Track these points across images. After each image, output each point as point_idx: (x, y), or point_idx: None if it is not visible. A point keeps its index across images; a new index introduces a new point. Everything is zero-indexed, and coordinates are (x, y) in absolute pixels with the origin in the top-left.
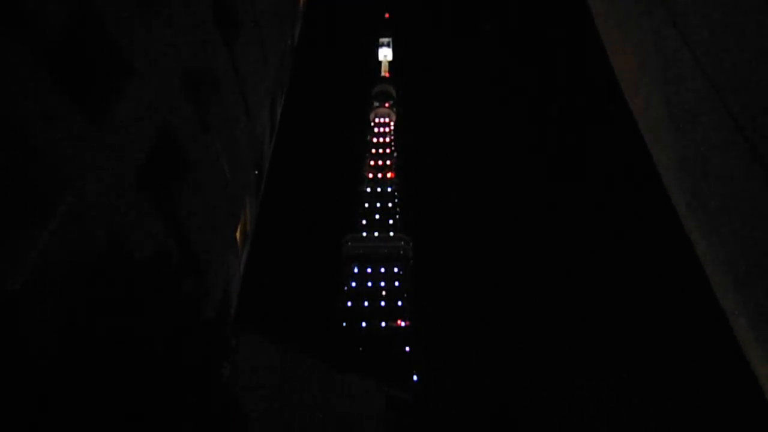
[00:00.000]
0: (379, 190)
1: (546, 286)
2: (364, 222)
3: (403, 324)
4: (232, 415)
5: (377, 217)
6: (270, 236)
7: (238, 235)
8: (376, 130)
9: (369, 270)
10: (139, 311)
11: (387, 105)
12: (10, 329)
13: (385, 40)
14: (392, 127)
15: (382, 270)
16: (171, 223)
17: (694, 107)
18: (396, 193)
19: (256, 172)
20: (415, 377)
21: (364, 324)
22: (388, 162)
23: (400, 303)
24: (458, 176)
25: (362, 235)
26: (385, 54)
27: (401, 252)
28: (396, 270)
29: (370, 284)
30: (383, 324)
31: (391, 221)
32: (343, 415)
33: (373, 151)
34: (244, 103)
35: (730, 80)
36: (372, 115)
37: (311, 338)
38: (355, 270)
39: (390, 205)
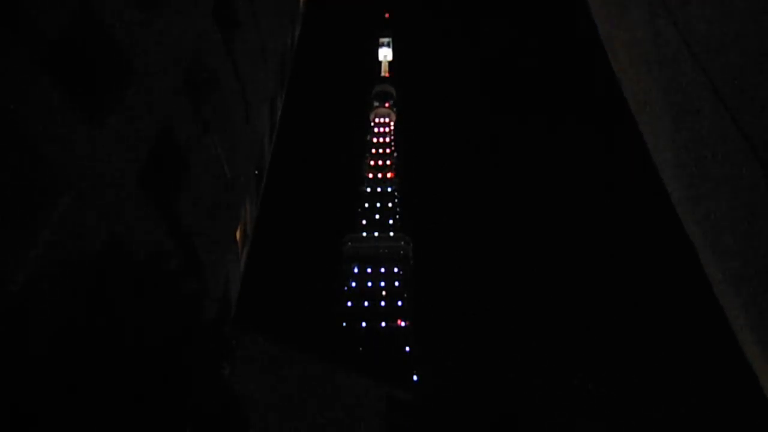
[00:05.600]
0: (379, 190)
1: (547, 286)
2: (364, 222)
3: (403, 324)
4: (232, 415)
5: (377, 217)
6: (270, 236)
7: (238, 235)
8: (376, 130)
9: (369, 270)
10: (138, 311)
11: (387, 105)
12: (10, 329)
13: (385, 40)
14: (392, 127)
15: (382, 270)
16: (171, 223)
17: (694, 107)
18: (396, 193)
19: (256, 172)
20: (415, 377)
21: (364, 324)
22: (388, 162)
23: (400, 303)
24: (458, 176)
25: (362, 235)
26: (385, 54)
27: (401, 252)
28: (396, 270)
29: (370, 284)
30: (383, 324)
31: (391, 221)
32: (343, 415)
33: (373, 151)
34: (244, 103)
35: (730, 80)
36: (372, 115)
37: (311, 338)
38: (355, 270)
39: (390, 205)
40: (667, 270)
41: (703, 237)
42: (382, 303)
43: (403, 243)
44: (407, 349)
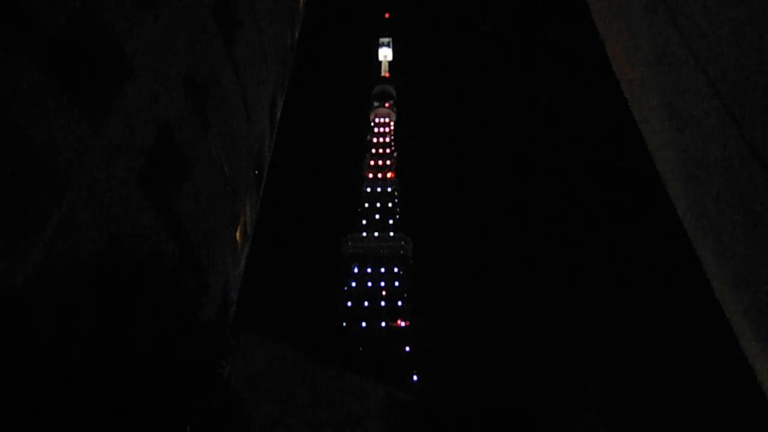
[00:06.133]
0: (379, 190)
1: (547, 286)
2: (364, 222)
3: (403, 324)
4: (232, 415)
5: (377, 217)
6: (270, 236)
7: (238, 235)
8: (376, 130)
9: (369, 270)
10: (138, 311)
11: (387, 105)
12: (11, 328)
13: (385, 40)
14: (392, 127)
15: (382, 270)
16: (171, 223)
17: (694, 107)
18: (396, 193)
19: (256, 172)
20: (415, 377)
21: (364, 324)
22: (388, 162)
23: (400, 303)
24: (458, 176)
25: (362, 235)
26: (385, 54)
27: (401, 252)
28: (396, 270)
29: (370, 284)
30: (383, 324)
31: (391, 221)
32: (343, 415)
33: (373, 151)
34: (244, 103)
35: (730, 80)
36: (372, 115)
37: (311, 338)
38: (355, 270)
39: (390, 205)
40: (667, 270)
41: (703, 237)
42: (382, 303)
43: (403, 243)
44: (407, 349)
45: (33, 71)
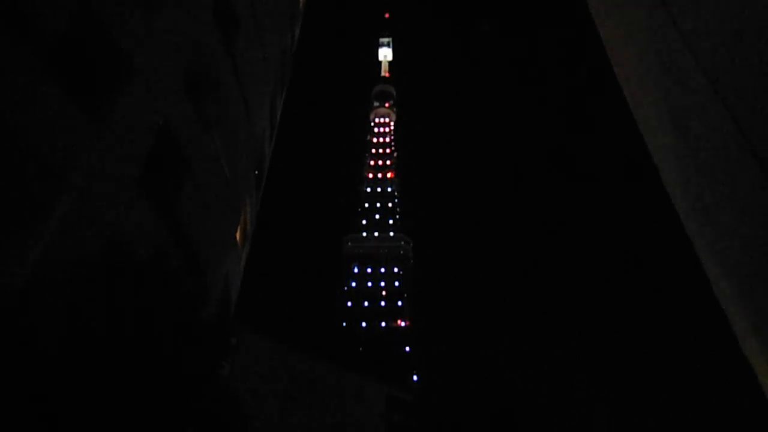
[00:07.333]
0: (379, 190)
1: (547, 286)
2: (364, 222)
3: (403, 324)
4: (232, 415)
5: (377, 217)
6: (270, 236)
7: (238, 235)
8: (376, 130)
9: (369, 270)
10: (139, 311)
11: (387, 105)
12: (11, 330)
13: (385, 40)
14: (392, 127)
15: (382, 270)
16: (171, 223)
17: (694, 107)
18: (396, 193)
19: (256, 172)
20: (415, 377)
21: (364, 324)
22: (388, 162)
23: (400, 303)
24: (458, 176)
25: (362, 235)
26: (385, 54)
27: (401, 252)
28: (396, 270)
29: (370, 284)
30: (383, 324)
31: (391, 221)
32: (343, 414)
33: (373, 151)
34: (244, 103)
35: (730, 80)
36: (372, 115)
37: (311, 338)
38: (355, 270)
39: (390, 205)
40: (667, 270)
41: (703, 237)
42: (382, 303)
43: (403, 243)
44: (407, 349)
45: (32, 70)
